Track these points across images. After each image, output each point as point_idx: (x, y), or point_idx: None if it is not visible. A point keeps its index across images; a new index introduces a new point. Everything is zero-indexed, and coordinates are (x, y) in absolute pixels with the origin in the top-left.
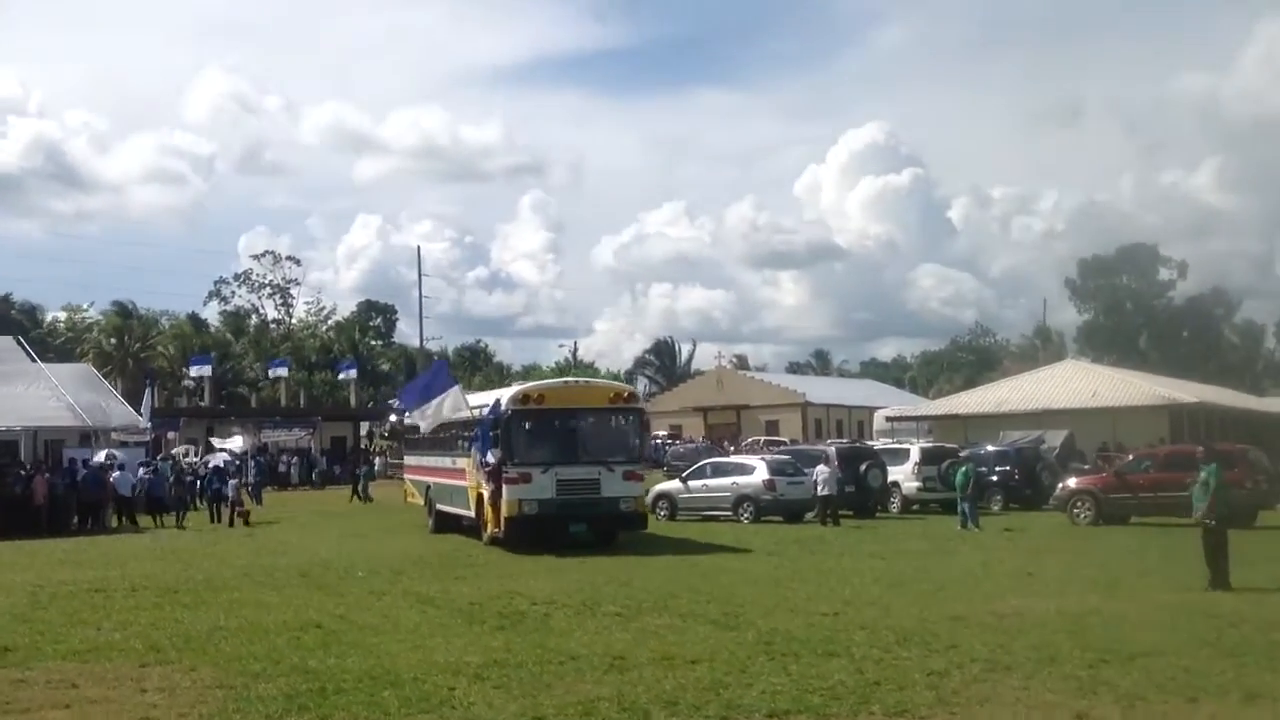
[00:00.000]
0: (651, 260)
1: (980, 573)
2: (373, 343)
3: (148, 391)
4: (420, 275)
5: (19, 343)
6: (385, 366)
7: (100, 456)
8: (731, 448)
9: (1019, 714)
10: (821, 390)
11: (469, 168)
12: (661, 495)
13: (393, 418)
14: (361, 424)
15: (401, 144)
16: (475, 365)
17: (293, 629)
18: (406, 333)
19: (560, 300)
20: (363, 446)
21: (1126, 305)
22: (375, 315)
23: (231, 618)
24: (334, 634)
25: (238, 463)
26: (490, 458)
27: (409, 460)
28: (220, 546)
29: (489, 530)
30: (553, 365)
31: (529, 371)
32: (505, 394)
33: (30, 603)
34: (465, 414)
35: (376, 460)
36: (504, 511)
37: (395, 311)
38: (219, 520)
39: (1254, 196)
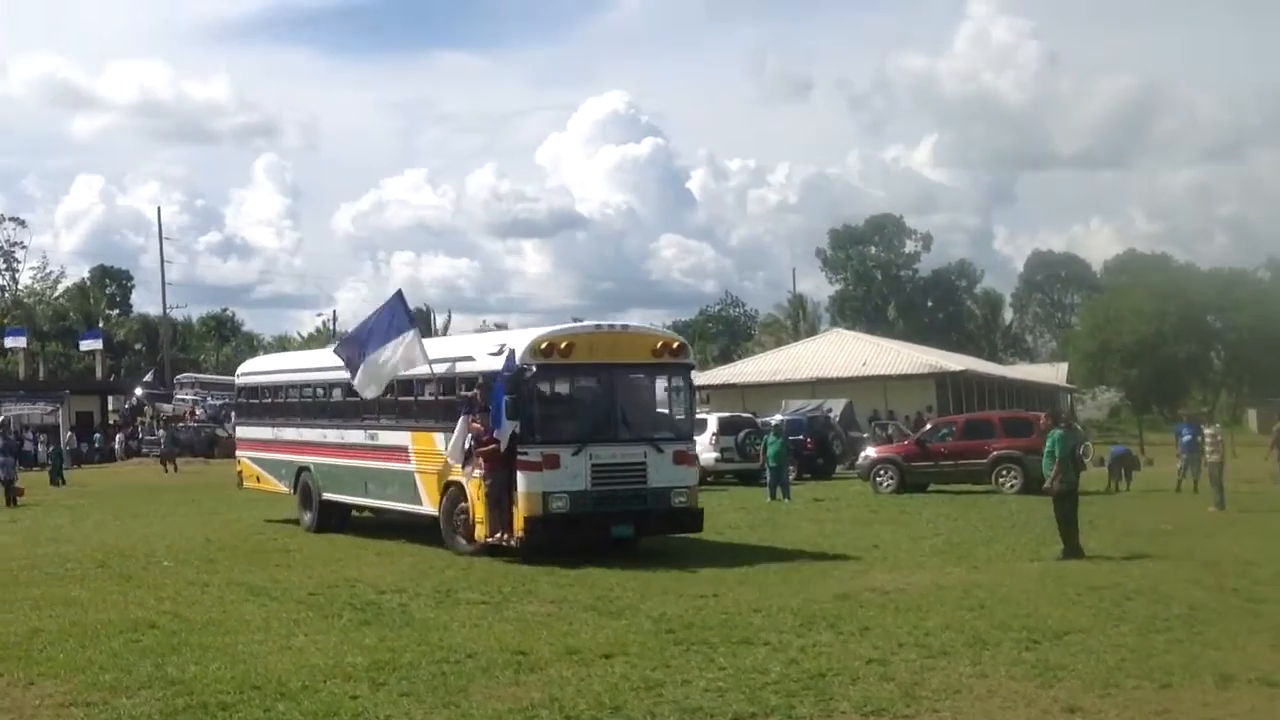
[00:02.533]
0: (393, 228)
1: (825, 545)
2: (109, 312)
3: None
4: (161, 239)
5: None
6: (122, 336)
7: None
8: None
9: (1006, 706)
10: None
11: (196, 127)
12: None
13: (139, 391)
14: (109, 398)
15: (122, 99)
16: (223, 335)
17: (124, 629)
18: (137, 301)
19: (300, 268)
20: (112, 422)
21: (875, 275)
22: (110, 282)
23: (45, 618)
24: (175, 634)
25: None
26: (499, 433)
27: (250, 433)
28: None
29: (485, 535)
30: (307, 335)
31: (284, 343)
32: (514, 341)
33: None
34: (423, 368)
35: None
36: (523, 509)
37: (131, 278)
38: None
39: (968, 172)
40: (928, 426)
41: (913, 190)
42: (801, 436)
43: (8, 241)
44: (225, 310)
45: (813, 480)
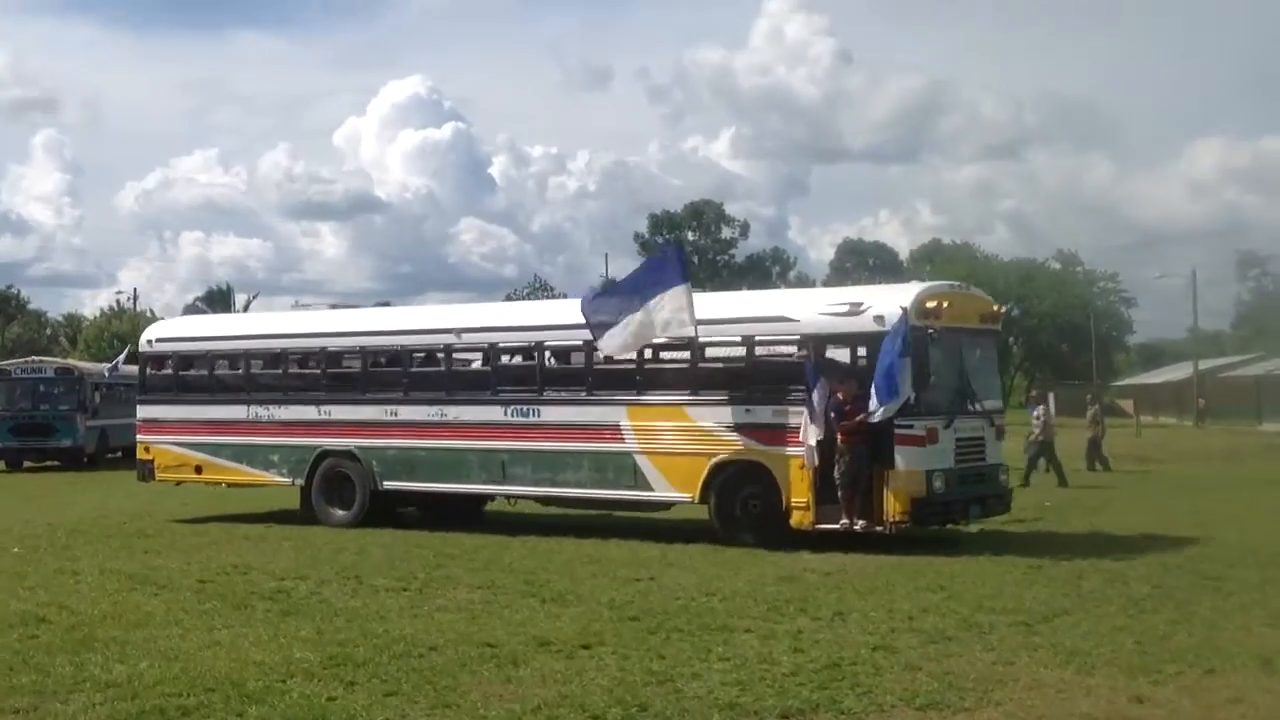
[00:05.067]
0: (180, 207)
1: None
2: None
3: None
4: None
5: None
6: None
7: None
8: None
9: (1064, 697)
10: None
11: None
12: None
13: None
14: None
15: None
16: (7, 314)
17: (10, 624)
18: None
19: (79, 246)
20: None
21: (693, 260)
22: None
23: None
24: (74, 629)
25: None
26: (883, 404)
27: (178, 413)
28: None
29: (812, 521)
30: (98, 312)
31: (73, 321)
32: (897, 297)
33: None
34: (689, 330)
35: None
36: (905, 490)
37: None
38: None
39: (764, 163)
40: None
41: (711, 180)
42: None
43: None
44: (10, 288)
45: None
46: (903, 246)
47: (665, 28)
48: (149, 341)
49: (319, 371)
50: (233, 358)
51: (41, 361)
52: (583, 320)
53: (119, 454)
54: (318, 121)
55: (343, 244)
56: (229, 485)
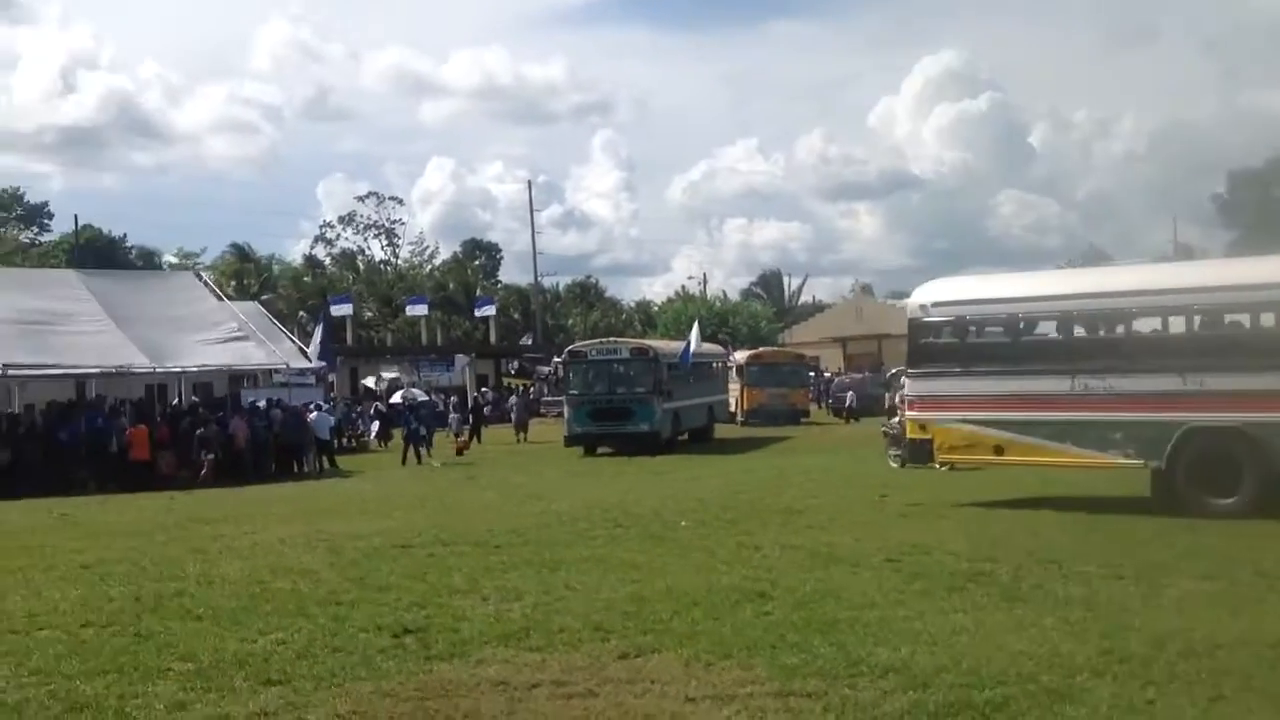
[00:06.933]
0: (724, 196)
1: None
2: (483, 282)
3: (319, 330)
4: (532, 212)
5: (199, 278)
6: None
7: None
8: None
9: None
10: None
11: (535, 108)
12: None
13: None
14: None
15: (465, 85)
16: (588, 302)
17: (737, 599)
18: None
19: (635, 237)
20: (511, 387)
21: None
22: (479, 254)
23: (614, 584)
24: (801, 606)
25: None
26: None
27: (977, 387)
28: (457, 492)
29: None
30: (666, 299)
31: (643, 308)
32: None
33: (344, 566)
34: None
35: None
36: None
37: (499, 250)
38: (417, 461)
39: None
40: None
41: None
42: None
43: (389, 219)
44: (589, 278)
45: None
46: None
47: None
48: (922, 306)
49: (1182, 333)
50: (1042, 321)
51: (617, 342)
52: None
53: (685, 436)
54: (852, 103)
55: (878, 223)
56: (1042, 467)
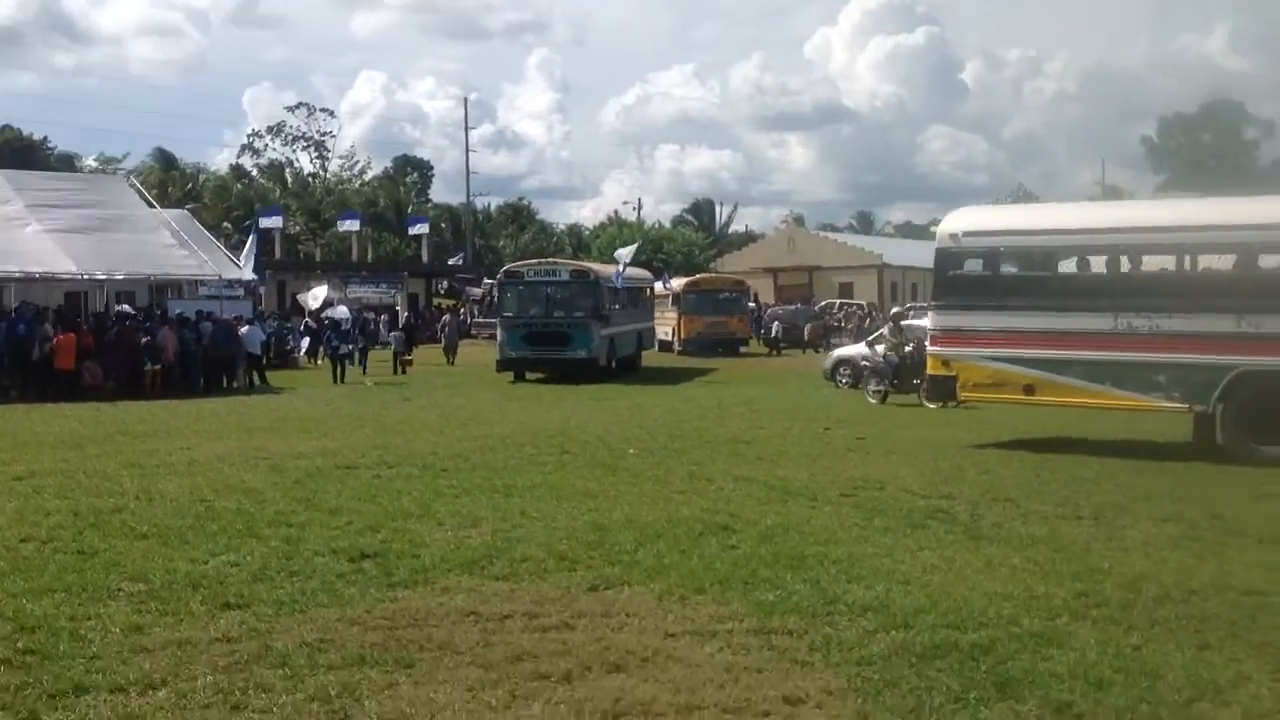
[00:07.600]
0: (657, 121)
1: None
2: (414, 200)
3: (251, 241)
4: (466, 130)
5: (132, 185)
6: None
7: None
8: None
9: None
10: (897, 251)
11: (470, 23)
12: (843, 362)
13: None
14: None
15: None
16: (519, 224)
17: (697, 530)
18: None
19: (566, 160)
20: (442, 307)
21: (1210, 164)
22: (410, 171)
23: (570, 514)
24: (766, 540)
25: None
26: None
27: (1004, 322)
28: (394, 412)
29: None
30: (603, 222)
31: (574, 231)
32: None
33: (288, 486)
34: None
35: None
36: None
37: (431, 168)
38: (340, 380)
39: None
40: None
41: (1206, 81)
42: None
43: (319, 132)
44: (521, 199)
45: None
46: None
47: None
48: (952, 235)
49: (1240, 272)
50: (1084, 255)
51: (556, 263)
52: None
53: (613, 365)
54: (792, 33)
55: (810, 155)
56: (1074, 408)
